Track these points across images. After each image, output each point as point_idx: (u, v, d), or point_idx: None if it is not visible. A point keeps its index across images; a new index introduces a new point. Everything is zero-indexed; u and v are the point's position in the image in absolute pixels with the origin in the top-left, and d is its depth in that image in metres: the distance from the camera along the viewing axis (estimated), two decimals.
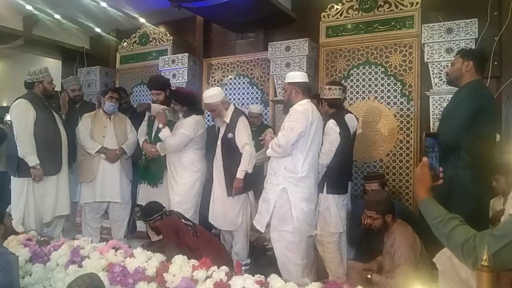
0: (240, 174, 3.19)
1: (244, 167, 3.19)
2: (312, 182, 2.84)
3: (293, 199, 2.76)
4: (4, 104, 8.07)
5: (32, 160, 3.25)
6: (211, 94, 3.33)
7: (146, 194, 3.75)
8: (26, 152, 3.26)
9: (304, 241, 2.82)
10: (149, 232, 3.26)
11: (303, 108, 2.78)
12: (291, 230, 2.77)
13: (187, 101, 3.57)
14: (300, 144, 2.76)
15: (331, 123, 2.98)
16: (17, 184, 3.37)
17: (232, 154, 3.25)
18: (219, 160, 3.34)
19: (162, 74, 5.15)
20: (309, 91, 2.93)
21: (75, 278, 1.82)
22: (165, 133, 3.45)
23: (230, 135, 3.27)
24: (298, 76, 2.92)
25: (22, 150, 3.27)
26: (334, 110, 3.13)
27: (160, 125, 3.48)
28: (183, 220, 3.00)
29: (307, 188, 2.80)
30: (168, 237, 2.92)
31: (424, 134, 1.56)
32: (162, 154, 3.66)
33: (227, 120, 3.32)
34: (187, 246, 2.84)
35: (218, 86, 5.24)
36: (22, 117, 3.30)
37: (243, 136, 3.25)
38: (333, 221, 2.93)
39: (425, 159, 1.49)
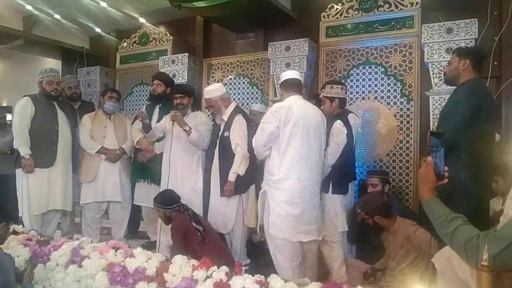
0: (231, 177, 3.11)
1: (235, 169, 3.10)
2: (295, 185, 2.64)
3: (270, 202, 2.65)
4: (4, 104, 8.07)
5: (23, 150, 3.45)
6: (210, 89, 3.32)
7: (145, 193, 3.73)
8: (19, 143, 3.48)
9: (289, 245, 2.66)
10: (160, 217, 3.09)
11: (278, 106, 2.68)
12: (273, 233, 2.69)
13: (193, 92, 3.64)
14: (276, 145, 2.65)
15: (339, 124, 2.94)
16: (17, 176, 3.57)
17: (227, 154, 3.18)
18: (216, 159, 3.30)
19: None
20: (292, 86, 2.80)
21: None
22: (195, 135, 3.33)
23: (226, 133, 3.21)
24: (284, 75, 2.86)
25: (16, 141, 3.50)
26: (341, 110, 3.11)
27: (187, 128, 3.30)
28: (193, 224, 2.93)
29: (287, 191, 2.62)
30: (176, 237, 2.92)
31: (428, 133, 1.54)
32: (158, 152, 3.63)
33: (225, 118, 3.26)
34: (193, 251, 2.79)
35: None
36: (19, 112, 3.54)
37: (236, 135, 3.16)
38: (339, 221, 2.92)
39: (429, 158, 1.47)
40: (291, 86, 2.80)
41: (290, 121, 2.61)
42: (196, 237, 2.87)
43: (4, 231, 2.26)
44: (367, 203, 2.86)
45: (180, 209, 3.04)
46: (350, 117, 3.06)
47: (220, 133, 3.30)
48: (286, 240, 2.66)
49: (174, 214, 3.01)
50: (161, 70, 5.17)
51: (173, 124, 3.42)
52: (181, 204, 3.09)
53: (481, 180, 2.38)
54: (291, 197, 2.63)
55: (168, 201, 3.05)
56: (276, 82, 4.54)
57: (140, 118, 3.45)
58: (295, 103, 2.70)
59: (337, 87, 3.12)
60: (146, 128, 3.52)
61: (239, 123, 3.21)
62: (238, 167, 3.10)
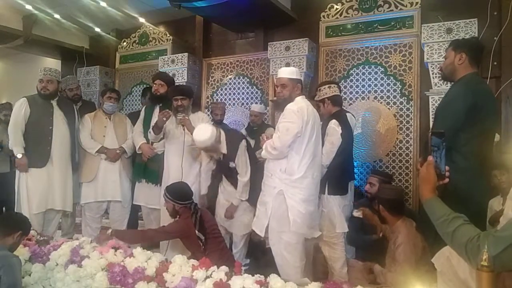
0: (235, 202, 3.19)
1: (238, 196, 3.18)
2: (311, 182, 2.69)
3: (290, 201, 2.64)
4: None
5: (16, 150, 3.49)
6: (203, 140, 3.02)
7: (145, 193, 3.72)
8: (12, 143, 3.53)
9: (301, 243, 2.69)
10: (167, 208, 2.99)
11: (297, 106, 2.65)
12: (289, 232, 2.67)
13: (193, 93, 3.63)
14: (296, 145, 2.64)
15: (333, 123, 2.93)
16: (16, 176, 3.58)
17: (235, 176, 3.20)
18: (225, 182, 3.32)
19: None
20: (302, 87, 2.86)
21: None
22: None
23: (232, 164, 3.17)
24: (297, 72, 2.83)
25: (10, 142, 3.57)
26: (337, 109, 3.11)
27: None
28: (197, 232, 2.84)
29: (305, 189, 2.65)
30: (171, 233, 2.89)
31: (430, 133, 1.53)
32: (159, 153, 3.63)
33: (224, 151, 3.19)
34: (195, 255, 2.70)
35: (217, 85, 5.27)
36: (15, 113, 3.58)
37: (240, 163, 3.17)
38: (337, 222, 2.92)
39: (430, 158, 1.46)
40: (301, 87, 2.83)
41: (310, 121, 2.65)
42: (198, 246, 2.83)
43: (18, 240, 2.24)
44: (385, 190, 2.91)
45: (191, 208, 2.92)
46: (347, 116, 3.07)
47: (220, 161, 3.26)
48: (302, 237, 2.69)
49: (182, 211, 2.89)
50: (160, 70, 5.17)
51: (184, 130, 3.39)
52: (193, 202, 2.99)
53: (477, 183, 2.22)
54: (308, 194, 2.67)
55: (182, 196, 2.92)
56: (276, 81, 4.54)
57: (165, 118, 3.38)
58: (307, 104, 2.74)
59: (323, 88, 3.14)
60: (158, 129, 3.47)
61: (242, 151, 3.17)
62: (241, 194, 3.16)
